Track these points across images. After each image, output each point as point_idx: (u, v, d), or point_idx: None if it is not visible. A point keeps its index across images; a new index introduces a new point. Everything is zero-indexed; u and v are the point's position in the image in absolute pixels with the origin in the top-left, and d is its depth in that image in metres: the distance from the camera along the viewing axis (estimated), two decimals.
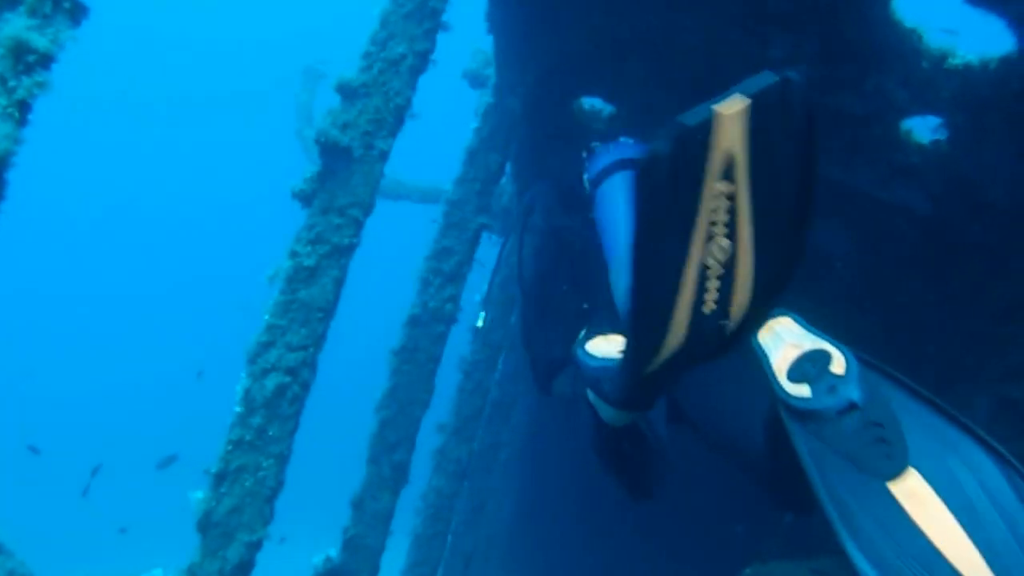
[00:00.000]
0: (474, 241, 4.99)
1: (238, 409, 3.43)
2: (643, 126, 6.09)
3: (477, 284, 6.90)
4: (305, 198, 3.62)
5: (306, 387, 3.53)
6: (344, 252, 3.62)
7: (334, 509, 6.58)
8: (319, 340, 3.56)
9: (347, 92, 3.69)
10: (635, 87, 5.73)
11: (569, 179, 3.99)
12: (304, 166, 8.82)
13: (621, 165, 3.61)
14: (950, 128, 5.20)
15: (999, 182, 5.19)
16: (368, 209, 3.70)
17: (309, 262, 3.55)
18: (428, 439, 6.29)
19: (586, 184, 3.79)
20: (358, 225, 3.66)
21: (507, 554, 8.83)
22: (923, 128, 5.46)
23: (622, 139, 4.03)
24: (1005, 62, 4.78)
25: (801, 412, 2.01)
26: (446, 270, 4.95)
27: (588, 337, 2.99)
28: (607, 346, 2.62)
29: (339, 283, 3.63)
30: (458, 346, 6.45)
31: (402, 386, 4.93)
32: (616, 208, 3.40)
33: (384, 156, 3.72)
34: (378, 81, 3.69)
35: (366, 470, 5.04)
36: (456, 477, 6.35)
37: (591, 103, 6.30)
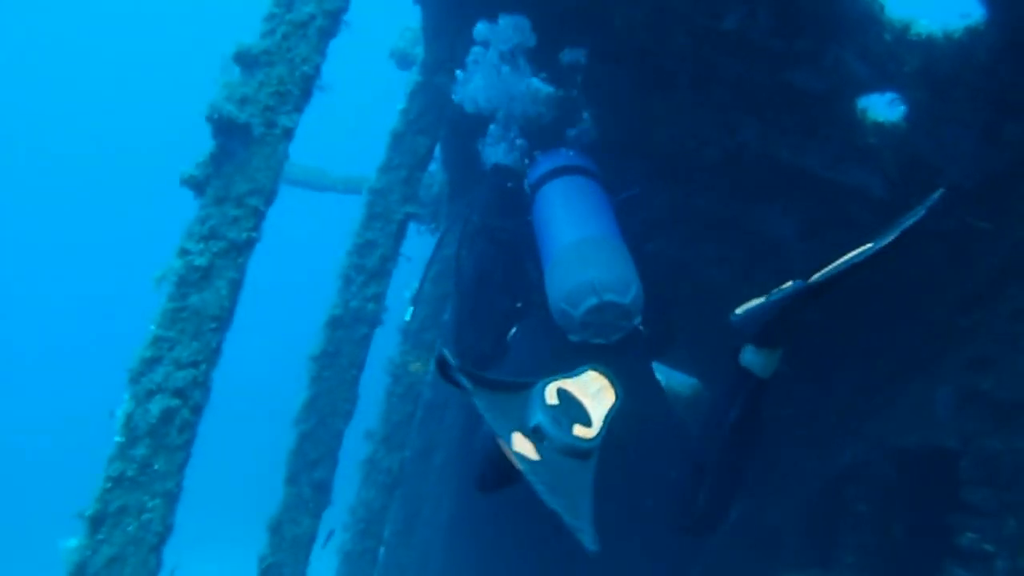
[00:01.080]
0: (400, 234, 4.41)
1: (118, 439, 2.81)
2: (585, 106, 5.58)
3: (406, 280, 6.36)
4: (196, 186, 2.99)
5: (198, 411, 2.91)
6: (242, 249, 3.00)
7: (247, 535, 5.95)
8: (213, 355, 2.94)
9: (246, 61, 3.07)
10: (576, 64, 5.22)
11: (508, 181, 4.04)
12: None
13: (561, 171, 3.79)
14: (909, 105, 4.82)
15: (959, 162, 4.84)
16: (270, 197, 3.09)
17: (201, 261, 2.92)
18: (355, 448, 5.73)
19: (527, 188, 3.85)
20: (258, 217, 3.04)
21: (446, 561, 8.30)
22: (878, 107, 5.12)
23: (562, 150, 4.23)
24: (971, 33, 4.39)
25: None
26: (369, 266, 4.36)
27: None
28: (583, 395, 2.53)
29: (236, 286, 3.01)
30: (385, 347, 5.89)
31: (322, 395, 4.34)
32: (552, 211, 3.50)
33: (289, 135, 3.11)
34: (282, 47, 3.08)
35: (284, 490, 4.44)
36: (387, 489, 5.77)
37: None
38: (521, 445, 2.26)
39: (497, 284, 3.53)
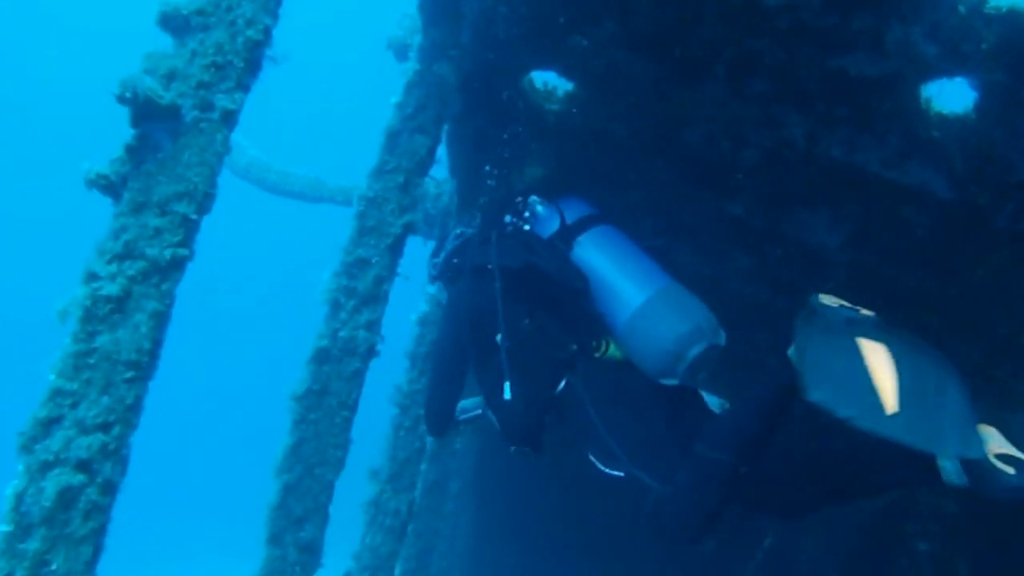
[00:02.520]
0: (397, 249, 3.55)
1: (4, 528, 1.96)
2: (605, 106, 4.73)
3: (411, 302, 5.54)
4: (108, 188, 2.14)
5: (110, 490, 2.04)
6: (167, 271, 2.14)
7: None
8: (129, 414, 2.07)
9: (176, 25, 2.23)
10: (597, 54, 4.39)
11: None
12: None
13: (597, 219, 3.80)
14: (982, 91, 4.00)
15: None
16: (205, 202, 2.20)
17: (113, 289, 2.07)
18: (359, 487, 4.89)
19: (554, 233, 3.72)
20: (189, 228, 2.16)
21: None
22: (945, 95, 4.28)
23: (574, 196, 4.08)
24: None
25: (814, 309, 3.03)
26: (361, 289, 3.51)
27: None
28: None
29: (160, 321, 2.14)
30: (391, 373, 5.04)
31: (308, 441, 3.48)
32: (619, 262, 3.52)
33: (230, 120, 2.24)
34: (220, 5, 2.23)
35: (265, 551, 3.57)
36: (395, 533, 4.90)
37: (544, 79, 4.96)
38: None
39: (550, 333, 3.35)
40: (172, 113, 2.12)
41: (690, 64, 4.29)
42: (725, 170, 4.90)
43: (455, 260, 3.68)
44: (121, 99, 2.05)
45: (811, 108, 4.27)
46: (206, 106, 2.20)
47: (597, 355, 3.31)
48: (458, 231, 3.88)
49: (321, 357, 3.50)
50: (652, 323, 3.21)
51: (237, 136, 3.09)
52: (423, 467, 5.87)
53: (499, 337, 3.13)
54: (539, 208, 3.83)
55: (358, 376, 3.48)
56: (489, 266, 3.36)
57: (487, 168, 4.74)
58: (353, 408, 3.49)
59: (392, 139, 3.56)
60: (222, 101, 2.20)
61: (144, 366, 2.09)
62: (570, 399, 3.14)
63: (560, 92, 4.91)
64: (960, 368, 4.98)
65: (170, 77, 2.17)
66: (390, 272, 3.49)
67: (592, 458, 3.04)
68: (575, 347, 3.24)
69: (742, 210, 5.02)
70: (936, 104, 4.19)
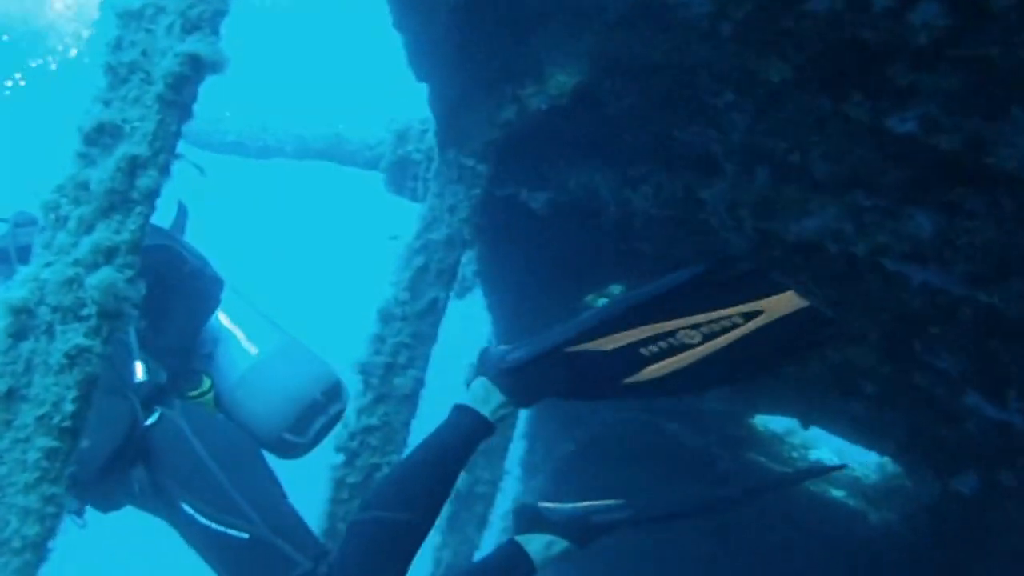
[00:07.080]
0: (175, 105, 1.66)
1: None
2: None
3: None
4: None
5: None
6: None
7: None
8: None
9: None
10: None
11: None
12: None
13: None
14: None
15: None
16: None
17: None
18: None
19: None
20: None
21: None
22: None
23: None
24: None
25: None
26: (96, 186, 1.63)
27: None
28: None
29: None
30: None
31: None
32: None
33: None
34: None
35: None
36: None
37: None
38: None
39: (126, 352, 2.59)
40: None
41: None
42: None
43: None
44: None
45: None
46: None
47: (192, 393, 2.60)
48: None
49: (19, 325, 1.64)
50: (291, 364, 2.72)
51: None
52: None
53: None
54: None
55: (82, 364, 1.60)
56: None
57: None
58: (71, 434, 1.57)
59: None
60: None
61: None
62: (165, 434, 2.42)
63: None
64: None
65: None
66: (161, 148, 1.63)
67: (189, 509, 2.33)
68: (164, 376, 2.51)
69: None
70: None
